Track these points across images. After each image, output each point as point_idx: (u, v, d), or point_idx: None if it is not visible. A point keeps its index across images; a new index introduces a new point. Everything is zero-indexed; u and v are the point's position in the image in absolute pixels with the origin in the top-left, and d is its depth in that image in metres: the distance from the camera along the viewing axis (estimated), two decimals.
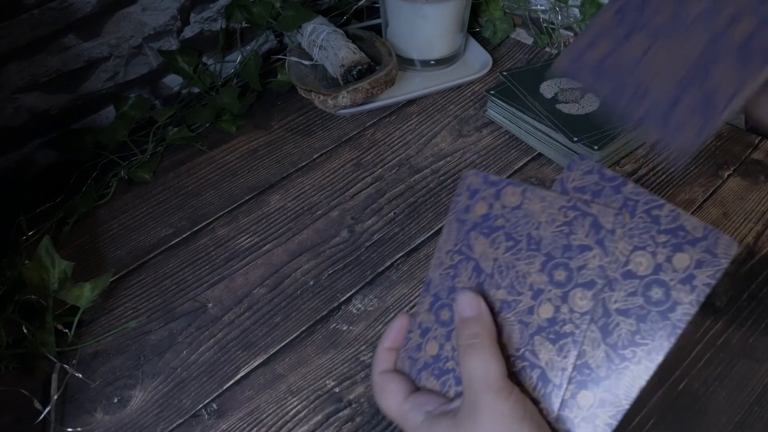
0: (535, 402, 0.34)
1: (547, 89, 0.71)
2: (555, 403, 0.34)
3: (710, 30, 0.36)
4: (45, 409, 0.50)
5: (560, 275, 0.35)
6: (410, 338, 0.39)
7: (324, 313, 0.56)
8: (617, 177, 0.35)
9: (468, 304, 0.36)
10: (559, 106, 0.68)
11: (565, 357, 0.34)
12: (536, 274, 0.35)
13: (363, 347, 0.54)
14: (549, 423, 0.33)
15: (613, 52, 0.39)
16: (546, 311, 0.35)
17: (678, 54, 0.37)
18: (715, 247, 0.33)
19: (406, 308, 0.56)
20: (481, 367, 0.34)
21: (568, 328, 0.34)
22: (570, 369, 0.34)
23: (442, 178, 0.68)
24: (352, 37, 0.79)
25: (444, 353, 0.37)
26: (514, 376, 0.35)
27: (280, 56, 0.82)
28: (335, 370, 0.52)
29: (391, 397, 0.38)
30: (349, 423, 0.49)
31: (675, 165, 0.36)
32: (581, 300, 0.34)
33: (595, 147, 0.63)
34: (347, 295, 0.57)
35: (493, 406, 0.33)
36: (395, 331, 0.40)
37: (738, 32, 0.35)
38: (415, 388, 0.38)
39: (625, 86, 0.38)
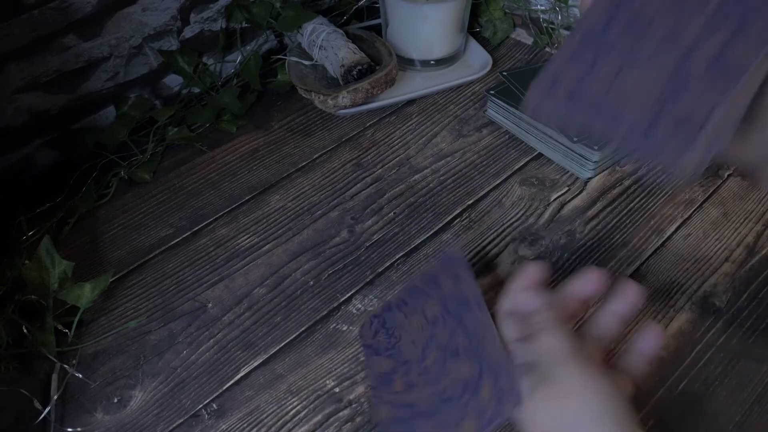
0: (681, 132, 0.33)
1: None
2: (701, 137, 0.33)
3: (678, 50, 0.34)
4: (45, 409, 0.50)
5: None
6: (543, 76, 0.37)
7: (324, 313, 0.56)
8: None
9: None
10: None
11: (722, 96, 0.33)
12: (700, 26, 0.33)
13: (363, 347, 0.54)
14: None
15: (581, 82, 0.37)
16: (713, 49, 0.33)
17: (648, 78, 0.35)
18: None
19: None
20: (554, 341, 0.39)
21: (731, 64, 0.33)
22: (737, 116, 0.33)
23: (442, 178, 0.68)
24: (352, 37, 0.79)
25: (585, 79, 0.36)
26: (664, 95, 0.34)
27: (280, 56, 0.82)
28: (335, 370, 0.52)
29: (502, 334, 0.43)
30: (349, 423, 0.49)
31: (669, 181, 0.35)
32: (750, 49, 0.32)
33: (595, 147, 0.63)
34: (347, 295, 0.57)
35: (573, 372, 0.37)
36: (528, 274, 0.45)
37: (708, 49, 0.33)
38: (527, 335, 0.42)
39: (600, 114, 0.36)
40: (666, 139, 0.34)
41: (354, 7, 0.86)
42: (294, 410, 0.50)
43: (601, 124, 0.36)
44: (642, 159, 0.35)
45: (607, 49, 0.36)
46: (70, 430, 0.50)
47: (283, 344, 0.54)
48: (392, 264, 0.60)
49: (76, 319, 0.55)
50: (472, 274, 0.49)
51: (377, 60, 0.75)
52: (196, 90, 0.78)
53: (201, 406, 0.51)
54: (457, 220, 0.63)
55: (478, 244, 0.61)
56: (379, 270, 0.59)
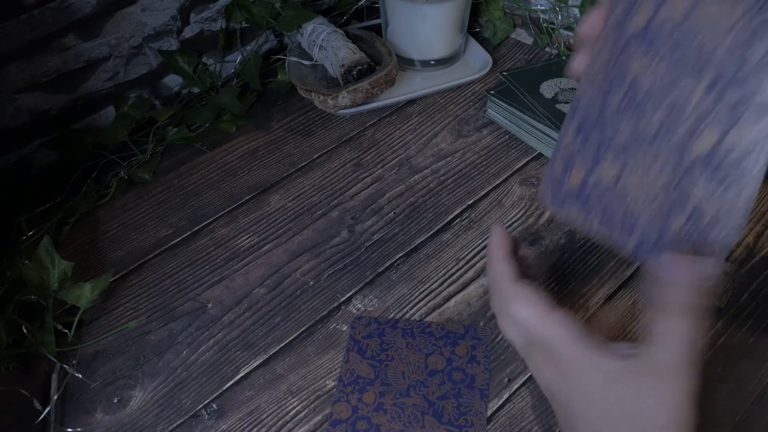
0: (690, 236, 0.33)
1: (547, 89, 0.71)
2: (711, 234, 0.32)
3: (674, 144, 0.32)
4: (45, 409, 0.50)
5: (732, 96, 0.30)
6: (553, 168, 0.36)
7: (324, 313, 0.56)
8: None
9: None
10: (559, 106, 0.68)
11: (726, 189, 0.31)
12: (701, 93, 0.31)
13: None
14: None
15: (588, 176, 0.35)
16: (708, 140, 0.31)
17: (649, 176, 0.34)
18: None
19: (407, 308, 0.56)
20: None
21: (734, 156, 0.31)
22: (744, 206, 0.31)
23: (442, 178, 0.68)
24: (352, 37, 0.79)
25: (591, 179, 0.35)
26: (667, 206, 0.33)
27: (280, 56, 0.82)
28: (335, 370, 0.52)
29: (533, 306, 0.36)
30: None
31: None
32: (754, 125, 0.30)
33: None
34: (347, 295, 0.57)
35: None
36: (500, 239, 0.39)
37: (702, 144, 0.31)
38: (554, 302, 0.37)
39: (613, 216, 0.35)
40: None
41: (354, 7, 0.86)
42: (294, 410, 0.50)
43: (615, 232, 0.35)
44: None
45: (606, 142, 0.34)
46: (70, 430, 0.50)
47: (283, 344, 0.54)
48: (392, 264, 0.60)
49: (76, 319, 0.55)
50: (489, 359, 0.52)
51: (377, 60, 0.75)
52: (196, 90, 0.78)
53: (201, 406, 0.51)
54: (457, 220, 0.63)
55: (478, 244, 0.61)
56: (379, 270, 0.59)
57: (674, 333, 0.33)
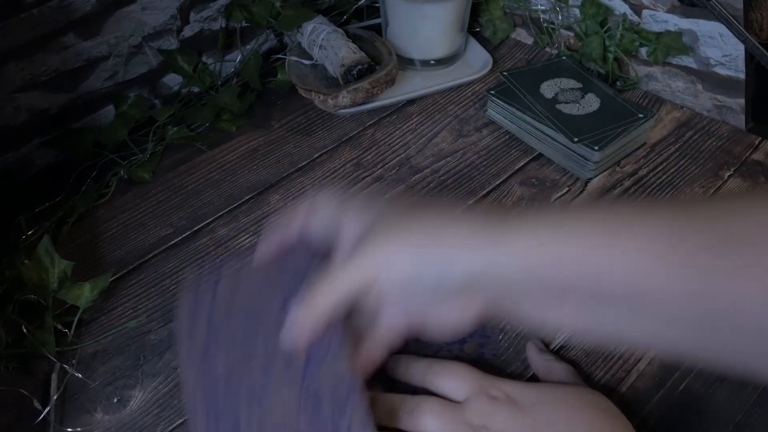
0: None
1: (548, 89, 0.71)
2: None
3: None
4: (45, 409, 0.50)
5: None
6: None
7: None
8: None
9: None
10: (559, 106, 0.68)
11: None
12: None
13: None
14: None
15: None
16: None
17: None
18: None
19: None
20: None
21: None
22: None
23: (442, 178, 0.68)
24: (352, 37, 0.79)
25: None
26: None
27: (280, 56, 0.82)
28: None
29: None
30: None
31: None
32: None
33: (596, 147, 0.63)
34: None
35: None
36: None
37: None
38: None
39: None
40: None
41: (354, 7, 0.86)
42: None
43: None
44: None
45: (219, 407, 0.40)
46: (69, 430, 0.50)
47: None
48: None
49: (76, 318, 0.55)
50: (498, 358, 0.51)
51: (377, 60, 0.75)
52: (196, 89, 0.78)
53: None
54: None
55: None
56: None
57: None
